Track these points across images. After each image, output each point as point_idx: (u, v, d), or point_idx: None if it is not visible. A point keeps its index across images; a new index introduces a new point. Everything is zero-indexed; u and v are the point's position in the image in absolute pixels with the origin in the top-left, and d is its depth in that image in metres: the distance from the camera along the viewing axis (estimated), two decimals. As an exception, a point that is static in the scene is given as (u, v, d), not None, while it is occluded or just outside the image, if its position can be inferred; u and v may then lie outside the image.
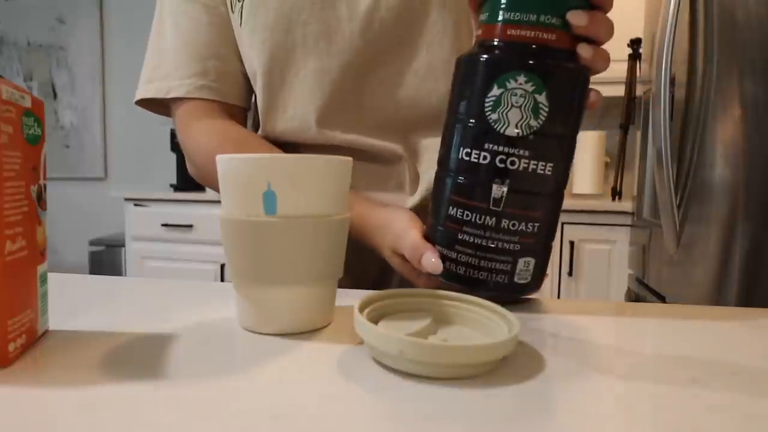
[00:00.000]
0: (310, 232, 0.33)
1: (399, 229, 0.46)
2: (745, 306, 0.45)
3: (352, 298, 0.42)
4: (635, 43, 1.93)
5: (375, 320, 0.33)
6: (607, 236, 2.00)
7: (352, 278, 0.52)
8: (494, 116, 0.37)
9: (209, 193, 2.40)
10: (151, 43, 0.62)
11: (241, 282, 0.34)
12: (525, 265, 0.39)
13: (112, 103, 3.16)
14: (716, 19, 0.73)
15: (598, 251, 2.01)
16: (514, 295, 0.41)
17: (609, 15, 0.38)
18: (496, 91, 0.37)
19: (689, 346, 0.32)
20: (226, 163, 0.34)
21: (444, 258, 0.40)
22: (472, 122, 0.38)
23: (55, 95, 3.18)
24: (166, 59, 0.59)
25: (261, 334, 0.34)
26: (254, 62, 0.57)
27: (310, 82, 0.56)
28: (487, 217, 0.38)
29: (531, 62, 0.36)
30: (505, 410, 0.23)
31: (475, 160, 0.38)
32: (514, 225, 0.38)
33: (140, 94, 0.61)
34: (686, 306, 0.43)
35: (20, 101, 0.28)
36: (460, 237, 0.39)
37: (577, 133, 0.39)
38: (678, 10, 0.77)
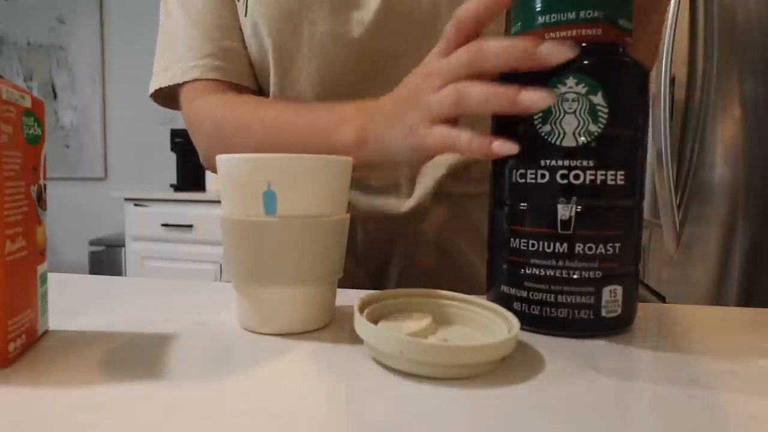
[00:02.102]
0: (309, 232, 0.33)
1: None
2: (745, 306, 0.45)
3: (352, 298, 0.42)
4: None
5: (375, 320, 0.33)
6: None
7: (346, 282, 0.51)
8: (546, 128, 0.33)
9: (209, 193, 2.41)
10: (161, 30, 0.60)
11: (240, 282, 0.34)
12: (612, 295, 0.33)
13: (112, 103, 3.16)
14: (716, 19, 0.73)
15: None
16: (604, 333, 0.34)
17: None
18: None
19: (689, 346, 0.32)
20: (225, 163, 0.34)
21: (513, 299, 0.35)
22: (521, 139, 0.34)
23: (55, 95, 3.18)
24: (177, 42, 0.58)
25: (261, 334, 0.34)
26: (256, 55, 0.57)
27: (314, 83, 0.55)
28: (557, 244, 0.33)
29: (579, 62, 0.32)
30: (505, 410, 0.23)
31: (533, 181, 0.34)
32: (590, 249, 0.33)
33: (156, 84, 0.60)
34: (686, 306, 0.43)
35: (20, 101, 0.28)
36: (528, 271, 0.34)
37: (646, 133, 0.35)
38: (678, 10, 0.76)
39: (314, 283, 0.34)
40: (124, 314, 0.38)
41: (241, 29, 0.58)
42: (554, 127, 0.33)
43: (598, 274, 0.33)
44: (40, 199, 0.30)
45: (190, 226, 2.36)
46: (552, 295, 0.34)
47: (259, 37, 0.55)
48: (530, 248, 0.34)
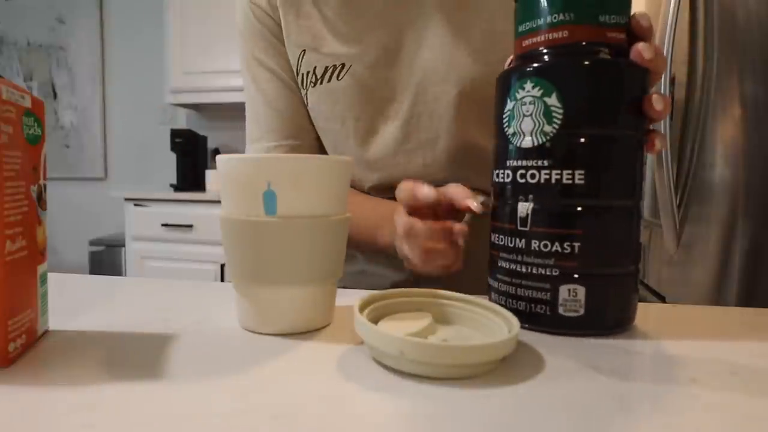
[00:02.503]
0: (309, 232, 0.33)
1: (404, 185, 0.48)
2: (745, 306, 0.45)
3: (352, 298, 0.42)
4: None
5: (375, 320, 0.33)
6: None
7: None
8: (510, 131, 0.35)
9: (209, 193, 2.40)
10: (246, 97, 0.71)
11: (241, 282, 0.34)
12: (570, 295, 0.33)
13: (112, 103, 3.16)
14: (716, 19, 0.73)
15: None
16: (563, 330, 0.34)
17: None
18: (509, 105, 0.35)
19: (689, 346, 0.32)
20: (225, 163, 0.34)
21: (491, 289, 0.38)
22: (497, 142, 0.37)
23: (55, 95, 3.18)
24: (260, 119, 0.68)
25: (261, 334, 0.34)
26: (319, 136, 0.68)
27: (362, 164, 0.64)
28: (517, 239, 0.35)
29: (535, 66, 0.34)
30: (505, 410, 0.23)
31: (501, 180, 0.37)
32: (546, 246, 0.34)
33: (249, 153, 0.71)
34: (686, 306, 0.43)
35: (20, 101, 0.28)
36: (499, 264, 0.37)
37: (630, 129, 0.34)
38: (678, 10, 0.76)
39: (314, 283, 0.34)
40: (124, 314, 0.38)
41: (307, 108, 0.67)
42: (516, 130, 0.35)
43: (555, 271, 0.34)
44: (40, 199, 0.30)
45: (190, 226, 2.36)
46: (513, 288, 0.36)
47: (317, 123, 0.67)
48: (500, 243, 0.37)
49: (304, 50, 0.63)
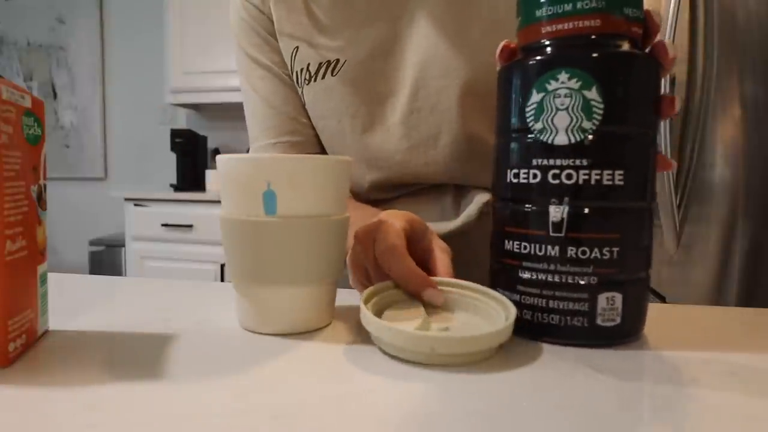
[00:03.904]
0: (309, 232, 0.33)
1: (385, 227, 0.39)
2: (745, 306, 0.45)
3: (351, 298, 0.42)
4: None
5: (378, 312, 0.34)
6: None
7: None
8: (538, 125, 0.32)
9: (209, 193, 2.41)
10: (245, 110, 0.70)
11: (241, 282, 0.34)
12: (609, 303, 0.31)
13: (112, 103, 3.16)
14: (716, 19, 0.73)
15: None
16: (601, 342, 0.32)
17: None
18: (536, 96, 0.32)
19: (689, 346, 0.32)
20: (225, 163, 0.34)
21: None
22: (516, 138, 0.33)
23: (55, 95, 3.18)
24: (257, 117, 0.68)
25: (261, 334, 0.34)
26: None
27: (361, 163, 0.63)
28: (549, 247, 0.31)
29: (572, 55, 0.31)
30: (505, 410, 0.23)
31: (525, 181, 0.33)
32: (584, 253, 0.31)
33: (252, 152, 0.71)
34: (686, 306, 0.43)
35: (20, 101, 0.28)
36: (520, 275, 0.33)
37: (654, 128, 0.33)
38: (678, 10, 0.76)
39: (314, 283, 0.34)
40: (124, 314, 0.38)
41: (305, 107, 0.67)
42: (546, 125, 0.31)
43: (593, 279, 0.31)
44: (40, 199, 0.30)
45: (190, 226, 2.36)
46: (544, 300, 0.32)
47: (314, 122, 0.66)
48: (522, 250, 0.33)
49: (297, 46, 0.62)
